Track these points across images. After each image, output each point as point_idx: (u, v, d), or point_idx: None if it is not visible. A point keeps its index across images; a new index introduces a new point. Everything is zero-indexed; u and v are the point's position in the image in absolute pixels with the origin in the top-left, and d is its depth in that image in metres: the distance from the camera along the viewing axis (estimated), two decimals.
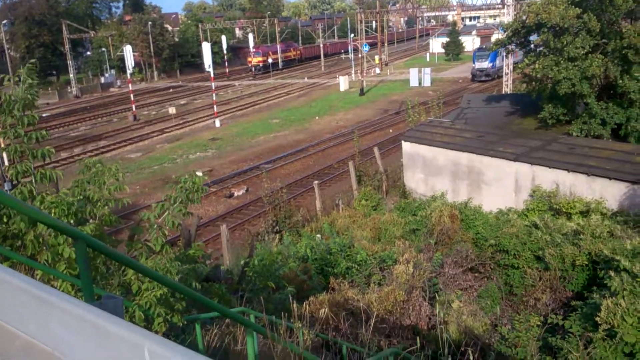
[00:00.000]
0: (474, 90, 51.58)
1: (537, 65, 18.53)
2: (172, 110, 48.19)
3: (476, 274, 12.90)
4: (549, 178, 15.79)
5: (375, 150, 24.31)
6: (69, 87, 70.86)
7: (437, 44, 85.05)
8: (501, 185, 17.16)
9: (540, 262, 12.24)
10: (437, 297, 10.19)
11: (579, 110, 19.88)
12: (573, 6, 17.86)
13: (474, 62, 56.80)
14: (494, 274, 12.85)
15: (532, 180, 16.25)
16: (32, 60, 6.60)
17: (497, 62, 54.36)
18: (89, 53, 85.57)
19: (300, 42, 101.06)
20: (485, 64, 55.95)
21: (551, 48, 18.39)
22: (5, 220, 5.88)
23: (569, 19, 17.45)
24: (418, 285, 9.81)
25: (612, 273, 9.28)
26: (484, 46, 57.00)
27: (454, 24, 75.86)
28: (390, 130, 37.66)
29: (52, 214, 5.46)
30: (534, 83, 19.82)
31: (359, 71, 60.08)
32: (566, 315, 9.41)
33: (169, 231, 6.51)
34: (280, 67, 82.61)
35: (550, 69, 18.05)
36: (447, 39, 78.28)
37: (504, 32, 21.00)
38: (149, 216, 6.24)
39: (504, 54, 52.25)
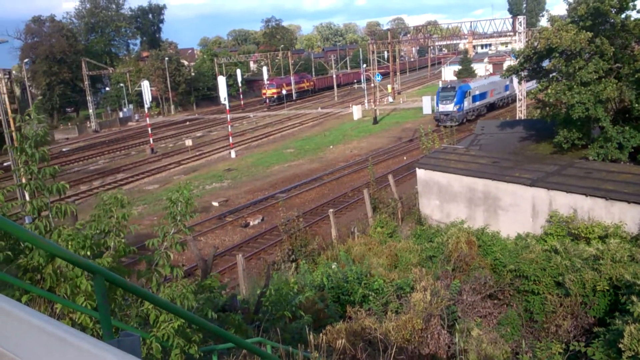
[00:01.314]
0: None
1: (549, 90, 18.53)
2: (188, 142, 48.80)
3: (495, 301, 12.71)
4: (567, 203, 15.63)
5: (390, 177, 24.31)
6: (88, 122, 72.26)
7: (449, 72, 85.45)
8: (518, 210, 17.02)
9: (560, 288, 12.03)
10: (456, 325, 10.06)
11: (595, 134, 19.77)
12: (584, 31, 17.92)
13: (437, 104, 48.76)
14: (514, 300, 12.65)
15: (549, 205, 16.09)
16: (39, 98, 6.80)
17: (466, 103, 48.09)
18: (107, 89, 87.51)
19: (313, 73, 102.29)
20: (450, 107, 47.63)
21: (563, 73, 18.41)
22: (27, 252, 5.99)
23: (580, 43, 17.50)
24: (436, 313, 9.68)
25: (634, 298, 9.11)
26: (449, 85, 50.81)
27: (466, 52, 76.28)
28: (404, 158, 37.69)
29: (69, 247, 5.55)
30: (547, 108, 19.79)
31: (371, 100, 60.49)
32: (588, 342, 9.22)
33: (187, 262, 6.57)
34: (294, 98, 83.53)
35: (563, 94, 18.04)
36: (459, 67, 78.70)
37: (516, 58, 21.07)
38: (153, 242, 6.33)
39: (472, 94, 47.85)
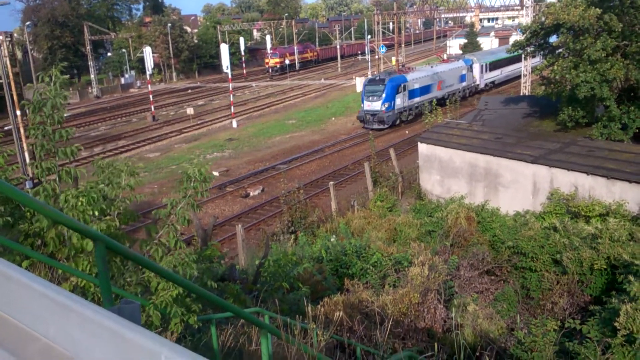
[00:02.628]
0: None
1: (555, 67, 18.34)
2: (190, 110, 48.55)
3: (492, 277, 12.82)
4: (568, 181, 15.62)
5: (391, 151, 24.26)
6: (89, 88, 71.81)
7: (454, 46, 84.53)
8: (519, 187, 17.02)
9: (558, 266, 12.11)
10: (453, 300, 10.16)
11: (599, 112, 19.64)
12: (593, 7, 17.64)
13: (362, 101, 39.32)
14: (511, 277, 12.75)
15: (550, 183, 16.09)
16: (64, 63, 6.72)
17: (399, 101, 38.42)
18: (109, 54, 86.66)
19: (317, 43, 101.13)
20: (377, 105, 37.87)
21: (570, 49, 18.19)
22: (28, 217, 6.00)
23: (588, 19, 17.24)
24: (433, 288, 9.77)
25: (631, 277, 9.17)
26: (377, 77, 40.85)
27: (472, 25, 75.32)
28: (406, 132, 37.52)
29: (79, 204, 5.54)
30: (552, 85, 19.62)
31: (375, 72, 59.99)
32: (584, 320, 9.31)
33: (185, 230, 6.58)
34: (297, 68, 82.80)
35: (568, 71, 17.85)
36: (465, 40, 77.77)
37: (523, 33, 20.78)
38: (161, 213, 6.31)
39: (409, 88, 38.21)
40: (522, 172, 16.87)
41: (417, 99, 40.58)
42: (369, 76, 48.04)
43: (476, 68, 48.85)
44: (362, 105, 39.17)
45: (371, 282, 11.02)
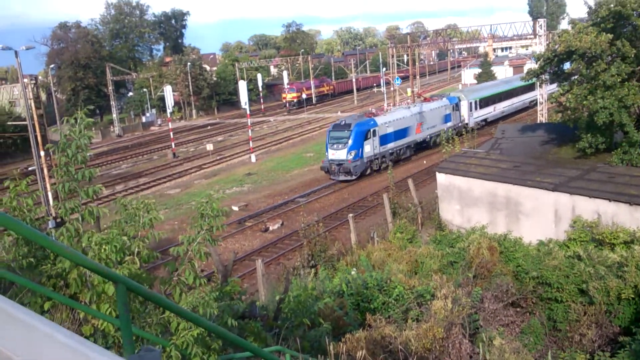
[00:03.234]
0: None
1: (570, 95, 18.28)
2: (209, 146, 49.16)
3: (518, 309, 12.55)
4: (590, 208, 15.38)
5: (410, 182, 24.19)
6: (111, 127, 73.29)
7: (469, 75, 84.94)
8: (540, 215, 16.80)
9: (584, 296, 11.84)
10: (478, 334, 9.95)
11: (617, 138, 19.43)
12: (605, 33, 17.64)
13: (326, 150, 35.05)
14: (537, 308, 12.48)
15: (572, 211, 15.85)
16: (90, 107, 6.91)
17: (368, 148, 34.31)
18: (131, 94, 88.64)
19: (333, 77, 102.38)
20: (342, 153, 33.55)
21: (584, 76, 18.14)
22: (51, 258, 6.08)
23: (600, 45, 17.23)
24: (457, 322, 9.59)
25: None
26: (342, 121, 36.08)
27: (486, 55, 75.73)
28: (424, 162, 37.46)
29: (102, 252, 5.61)
30: (568, 112, 19.52)
31: (391, 103, 60.35)
32: (614, 352, 9.05)
33: (205, 266, 6.59)
34: (314, 102, 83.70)
35: (584, 98, 17.77)
36: (479, 70, 78.16)
37: (536, 61, 20.81)
38: (178, 250, 6.35)
39: (381, 133, 34.66)
40: (543, 200, 16.67)
41: (390, 145, 36.64)
42: (335, 122, 40.58)
43: (464, 106, 45.37)
44: (326, 153, 35.01)
45: (394, 316, 10.86)
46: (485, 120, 47.87)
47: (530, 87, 53.76)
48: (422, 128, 39.88)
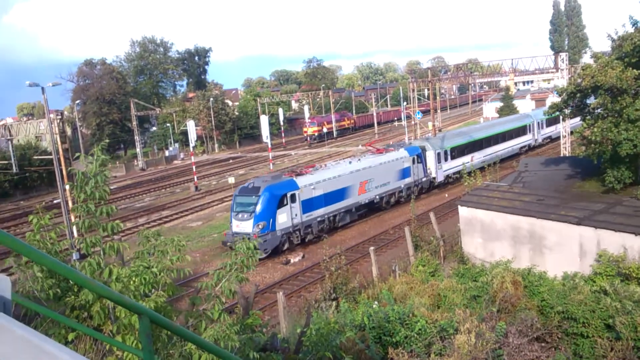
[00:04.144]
0: None
1: (595, 129, 18.17)
2: (231, 180, 49.64)
3: (543, 344, 12.27)
4: (616, 242, 15.13)
5: (431, 215, 24.09)
6: (135, 161, 74.64)
7: (490, 109, 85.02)
8: (565, 249, 16.55)
9: (611, 331, 11.57)
10: None
11: None
12: (630, 68, 17.64)
13: (230, 219, 28.32)
14: (562, 343, 12.20)
15: (597, 245, 15.60)
16: (106, 141, 7.12)
17: (284, 217, 27.33)
18: (154, 128, 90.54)
19: (353, 111, 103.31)
20: (248, 225, 26.63)
21: (609, 110, 18.07)
22: (75, 290, 6.20)
23: (626, 80, 17.21)
24: (481, 356, 9.44)
25: None
26: (251, 184, 28.67)
27: (507, 88, 75.86)
28: (446, 195, 37.27)
29: (132, 283, 5.70)
30: (592, 146, 19.39)
31: (412, 137, 60.54)
32: None
33: (227, 299, 6.64)
34: (334, 136, 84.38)
35: (609, 131, 17.67)
36: (501, 104, 78.17)
37: (559, 95, 20.80)
38: (207, 285, 6.41)
39: (303, 198, 27.73)
40: (568, 234, 16.45)
41: (319, 211, 29.41)
42: (241, 186, 30.40)
43: (430, 157, 38.12)
44: (230, 224, 28.19)
45: (416, 350, 10.72)
46: (459, 172, 37.14)
47: (521, 130, 49.85)
48: (368, 187, 32.74)
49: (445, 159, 39.43)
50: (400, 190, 35.57)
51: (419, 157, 37.19)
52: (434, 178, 38.56)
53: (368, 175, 32.78)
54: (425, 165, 37.98)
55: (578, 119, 22.84)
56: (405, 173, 35.83)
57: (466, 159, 39.96)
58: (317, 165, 34.97)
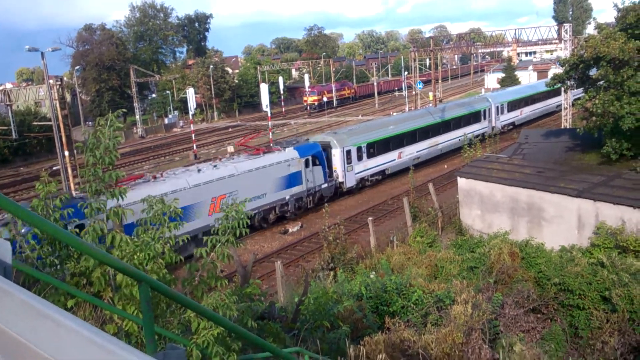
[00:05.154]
0: None
1: (597, 101, 18.03)
2: (230, 148, 49.51)
3: (539, 315, 12.41)
4: (614, 215, 15.15)
5: (430, 186, 24.08)
6: (134, 128, 74.27)
7: (492, 80, 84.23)
8: (563, 222, 16.59)
9: (607, 303, 11.67)
10: (498, 340, 9.87)
11: None
12: (633, 39, 17.40)
13: None
14: (558, 315, 12.33)
15: (596, 217, 15.63)
16: (123, 110, 6.99)
17: None
18: (154, 95, 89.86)
19: (354, 81, 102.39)
20: None
21: (611, 82, 17.89)
22: (75, 257, 6.20)
23: (628, 52, 17.00)
24: (477, 327, 9.53)
25: None
26: None
27: (510, 59, 75.03)
28: (445, 166, 37.23)
29: (135, 259, 5.70)
30: (594, 118, 19.29)
31: (412, 107, 60.14)
32: None
33: (225, 267, 6.66)
34: (334, 105, 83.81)
35: (611, 104, 17.53)
36: (503, 75, 77.46)
37: (562, 66, 20.57)
38: (201, 251, 6.43)
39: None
40: (566, 207, 16.47)
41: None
42: None
43: (337, 155, 30.38)
44: None
45: (413, 320, 10.83)
46: (383, 172, 33.17)
47: (473, 117, 41.98)
48: (220, 206, 21.15)
49: (359, 158, 31.62)
50: (285, 202, 27.69)
51: (317, 157, 29.24)
52: (341, 183, 30.83)
53: (229, 187, 24.53)
54: (330, 168, 30.30)
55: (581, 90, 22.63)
56: (292, 180, 27.92)
57: (391, 155, 33.60)
58: (147, 176, 24.97)
